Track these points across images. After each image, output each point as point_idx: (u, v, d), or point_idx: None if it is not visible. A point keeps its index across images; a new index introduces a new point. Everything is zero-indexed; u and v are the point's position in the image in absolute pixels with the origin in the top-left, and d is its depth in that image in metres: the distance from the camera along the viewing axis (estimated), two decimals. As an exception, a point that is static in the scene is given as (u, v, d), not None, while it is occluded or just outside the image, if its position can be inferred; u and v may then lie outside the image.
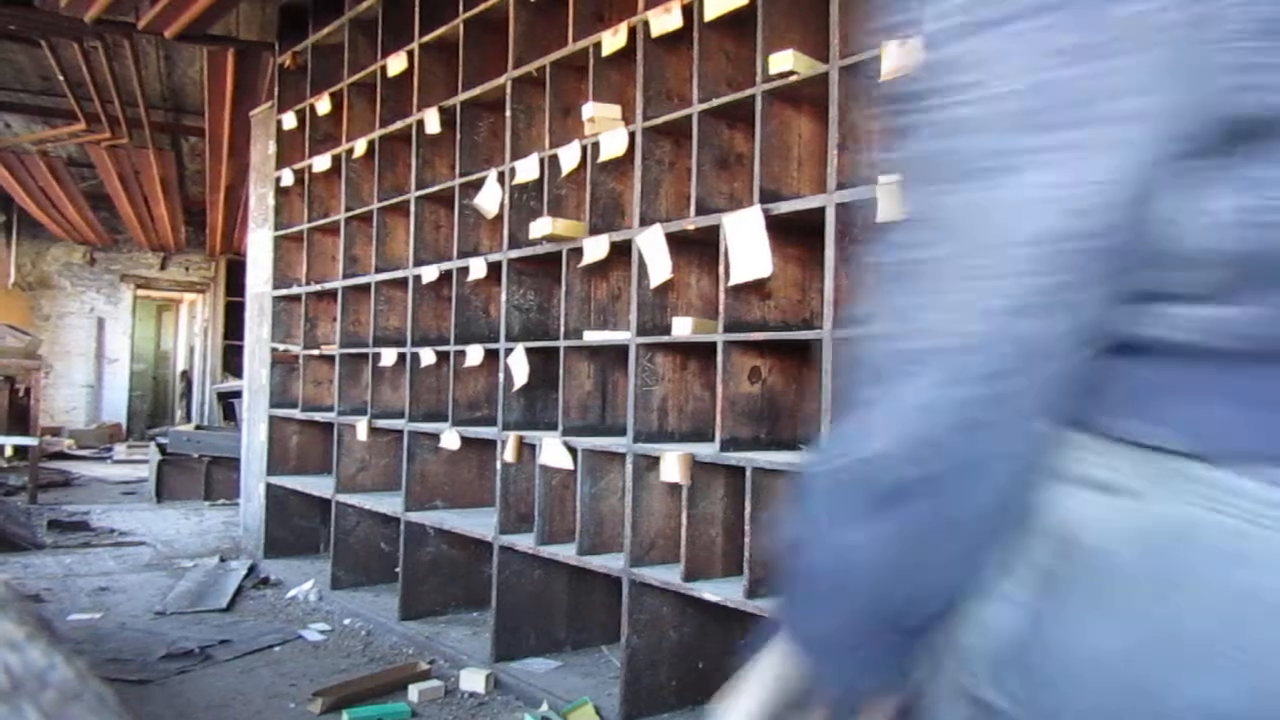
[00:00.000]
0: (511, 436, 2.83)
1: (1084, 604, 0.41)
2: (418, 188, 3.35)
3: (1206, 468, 0.38)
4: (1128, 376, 0.42)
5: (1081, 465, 0.43)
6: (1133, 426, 0.41)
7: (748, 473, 2.13)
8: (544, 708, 2.56)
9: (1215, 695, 0.36)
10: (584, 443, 2.59)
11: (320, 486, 3.92)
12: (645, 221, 2.48)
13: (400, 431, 3.33)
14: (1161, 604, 0.39)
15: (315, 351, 4.10)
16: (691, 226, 2.35)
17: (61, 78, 5.69)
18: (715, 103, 2.32)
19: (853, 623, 0.49)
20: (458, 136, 3.15)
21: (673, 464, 2.32)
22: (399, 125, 3.48)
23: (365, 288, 3.67)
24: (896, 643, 0.49)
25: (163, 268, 11.84)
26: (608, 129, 2.59)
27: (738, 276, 2.22)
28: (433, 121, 3.26)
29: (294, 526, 4.31)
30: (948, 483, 0.44)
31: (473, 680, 2.71)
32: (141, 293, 11.98)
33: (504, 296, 2.90)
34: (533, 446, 2.75)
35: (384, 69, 3.56)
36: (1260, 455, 0.37)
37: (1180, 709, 0.37)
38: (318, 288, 4.06)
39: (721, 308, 2.28)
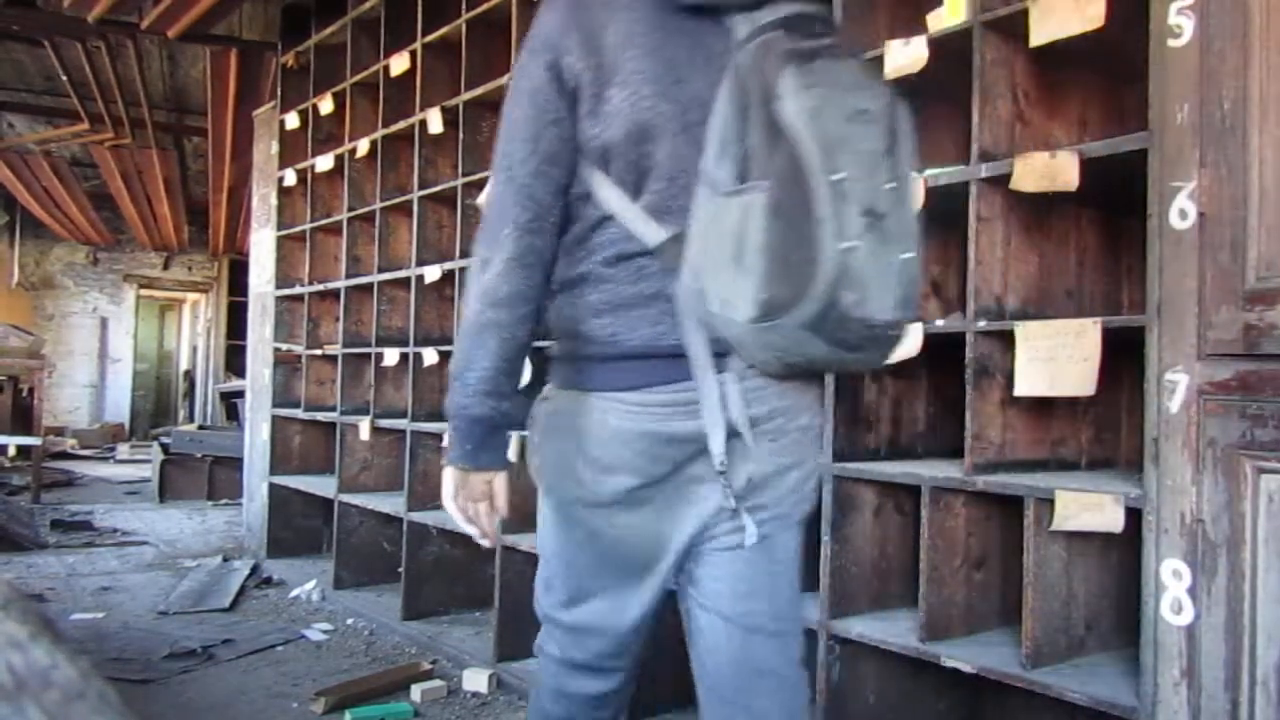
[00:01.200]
0: (514, 437, 2.83)
1: (549, 432, 1.28)
2: (420, 187, 3.35)
3: (583, 391, 1.21)
4: (563, 368, 1.26)
5: (550, 392, 1.28)
6: (563, 381, 1.26)
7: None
8: (547, 708, 2.55)
9: (583, 449, 1.21)
10: (587, 442, 2.58)
11: (323, 486, 3.92)
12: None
13: (403, 431, 3.33)
14: (565, 430, 1.22)
15: (318, 351, 4.10)
16: (694, 226, 2.34)
17: (65, 78, 5.69)
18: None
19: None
20: (460, 136, 3.15)
21: (675, 464, 2.31)
22: (402, 125, 3.48)
23: (368, 287, 3.67)
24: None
25: (165, 268, 11.86)
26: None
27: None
28: (435, 121, 3.26)
29: (296, 526, 4.31)
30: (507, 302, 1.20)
31: (475, 680, 2.71)
32: (144, 292, 12.00)
33: (507, 296, 2.90)
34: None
35: (386, 69, 3.56)
36: (601, 388, 1.19)
37: (575, 459, 1.21)
38: (320, 287, 4.07)
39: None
